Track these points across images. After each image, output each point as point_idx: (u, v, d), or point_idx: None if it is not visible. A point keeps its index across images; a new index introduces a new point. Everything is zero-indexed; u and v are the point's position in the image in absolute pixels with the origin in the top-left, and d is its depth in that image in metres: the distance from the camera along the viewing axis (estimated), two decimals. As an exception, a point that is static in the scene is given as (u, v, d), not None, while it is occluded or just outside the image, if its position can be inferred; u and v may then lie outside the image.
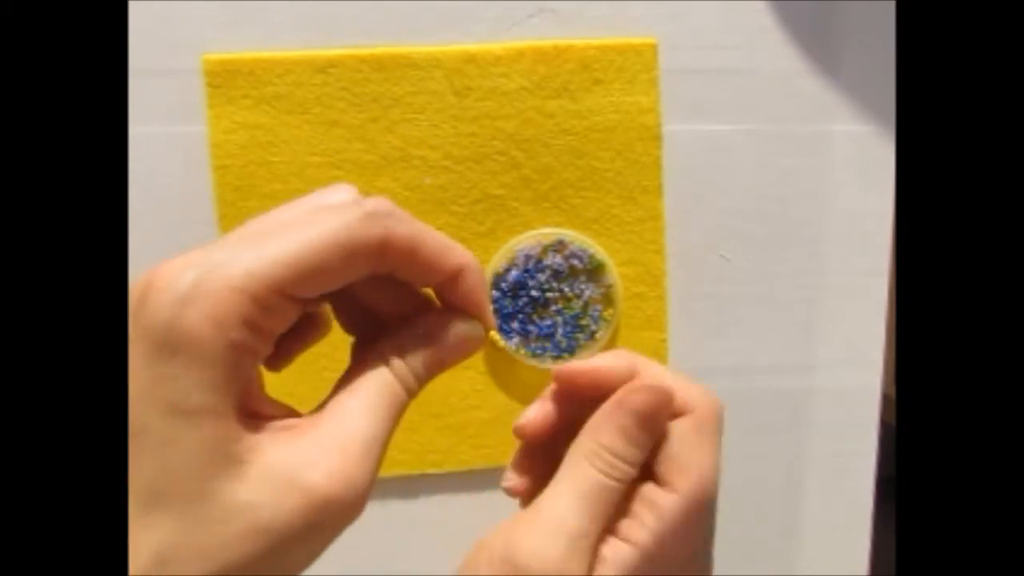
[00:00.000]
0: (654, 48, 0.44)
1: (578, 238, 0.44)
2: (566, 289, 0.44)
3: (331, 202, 0.25)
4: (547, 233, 0.44)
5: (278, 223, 0.24)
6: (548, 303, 0.44)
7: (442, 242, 0.26)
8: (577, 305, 0.44)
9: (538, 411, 0.32)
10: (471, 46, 0.43)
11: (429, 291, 0.27)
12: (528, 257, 0.44)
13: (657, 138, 0.44)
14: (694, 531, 0.30)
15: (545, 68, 0.43)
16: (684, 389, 0.31)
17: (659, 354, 0.46)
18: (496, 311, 0.44)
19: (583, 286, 0.44)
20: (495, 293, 0.44)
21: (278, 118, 0.43)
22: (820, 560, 0.49)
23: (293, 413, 0.25)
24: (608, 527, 0.29)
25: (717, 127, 0.45)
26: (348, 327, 0.28)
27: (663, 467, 0.30)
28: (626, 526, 0.29)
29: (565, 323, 0.44)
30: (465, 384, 0.45)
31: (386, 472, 0.46)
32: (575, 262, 0.44)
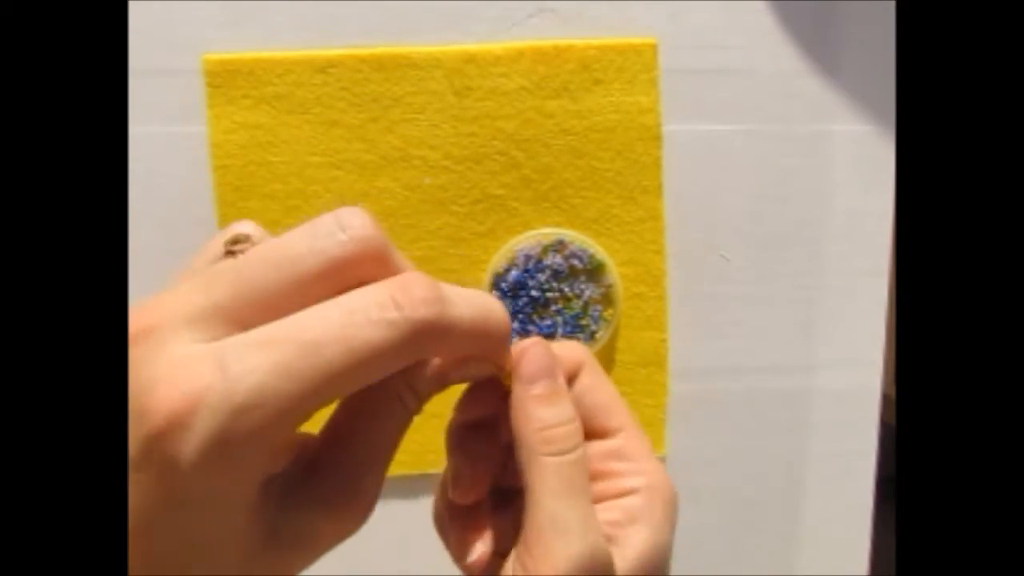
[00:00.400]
0: (654, 48, 0.44)
1: (578, 238, 0.44)
2: (566, 289, 0.44)
3: (364, 302, 0.21)
4: (547, 233, 0.44)
5: (304, 328, 0.21)
6: (548, 303, 0.44)
7: (494, 326, 0.24)
8: (577, 305, 0.44)
9: (464, 471, 0.29)
10: (471, 46, 0.43)
11: None
12: (528, 257, 0.44)
13: (657, 138, 0.44)
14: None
15: (545, 68, 0.43)
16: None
17: (659, 354, 0.46)
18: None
19: (583, 286, 0.44)
20: (495, 293, 0.44)
21: (278, 118, 0.43)
22: (820, 560, 0.49)
23: (304, 441, 0.25)
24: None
25: (717, 127, 0.45)
26: None
27: (590, 423, 0.29)
28: (607, 486, 0.28)
29: (565, 323, 0.44)
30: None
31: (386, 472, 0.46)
32: (575, 262, 0.44)
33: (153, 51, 0.43)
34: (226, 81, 0.43)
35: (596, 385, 0.30)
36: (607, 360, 0.46)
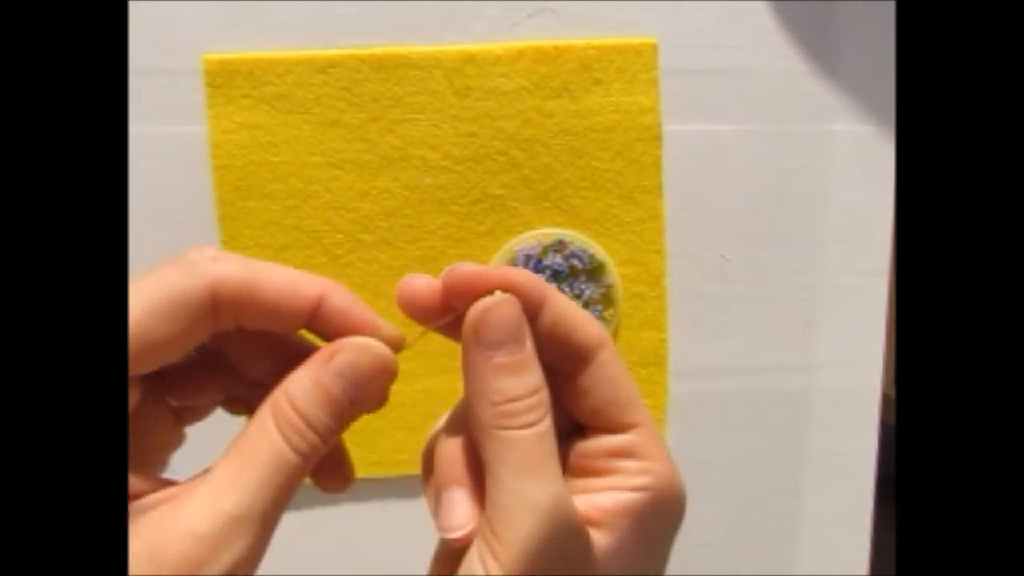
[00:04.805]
0: (654, 48, 0.44)
1: (578, 238, 0.44)
2: (566, 289, 0.44)
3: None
4: (547, 233, 0.44)
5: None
6: (548, 303, 0.44)
7: (287, 275, 0.24)
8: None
9: None
10: (471, 46, 0.43)
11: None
12: (528, 257, 0.44)
13: (657, 138, 0.44)
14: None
15: (545, 68, 0.43)
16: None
17: (659, 354, 0.46)
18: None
19: (583, 286, 0.44)
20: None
21: (278, 118, 0.43)
22: (820, 560, 0.49)
23: (167, 484, 0.24)
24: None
25: (717, 127, 0.45)
26: (236, 406, 0.27)
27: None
28: (606, 482, 0.25)
29: (565, 323, 0.44)
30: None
31: (386, 472, 0.46)
32: (575, 262, 0.44)
33: (153, 51, 0.43)
34: (226, 81, 0.43)
35: (612, 373, 0.26)
36: (607, 360, 0.46)
